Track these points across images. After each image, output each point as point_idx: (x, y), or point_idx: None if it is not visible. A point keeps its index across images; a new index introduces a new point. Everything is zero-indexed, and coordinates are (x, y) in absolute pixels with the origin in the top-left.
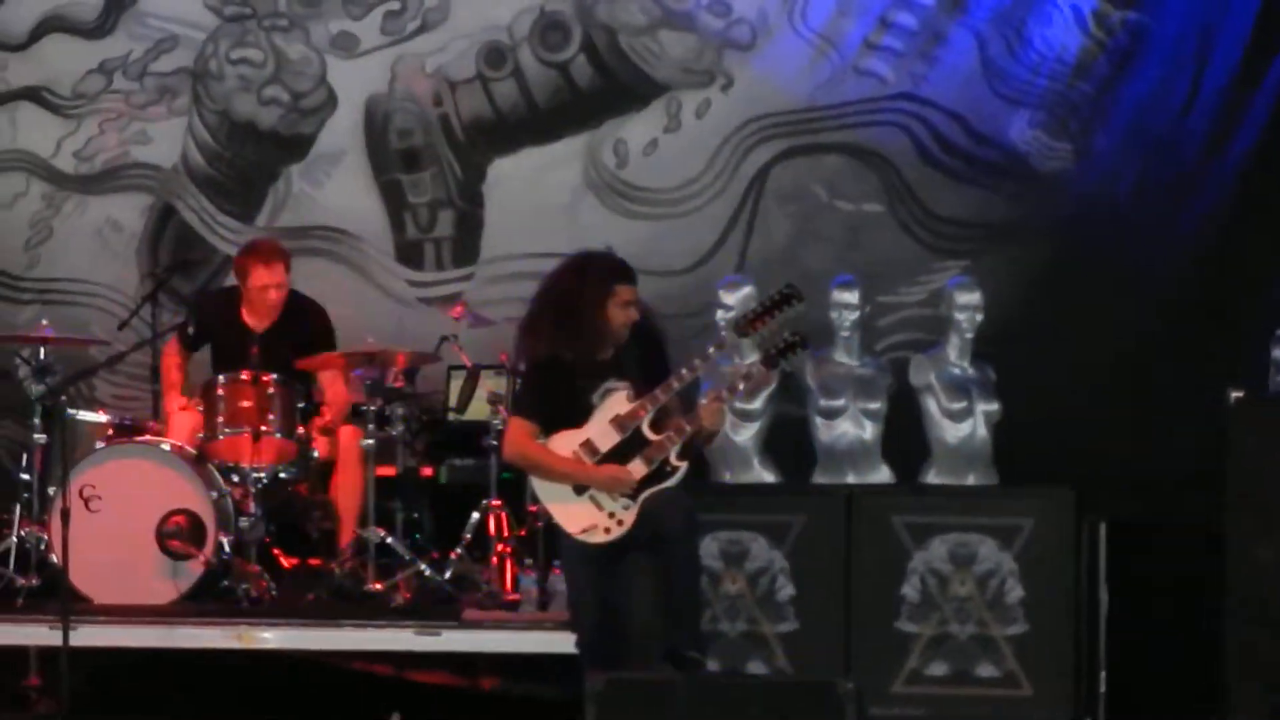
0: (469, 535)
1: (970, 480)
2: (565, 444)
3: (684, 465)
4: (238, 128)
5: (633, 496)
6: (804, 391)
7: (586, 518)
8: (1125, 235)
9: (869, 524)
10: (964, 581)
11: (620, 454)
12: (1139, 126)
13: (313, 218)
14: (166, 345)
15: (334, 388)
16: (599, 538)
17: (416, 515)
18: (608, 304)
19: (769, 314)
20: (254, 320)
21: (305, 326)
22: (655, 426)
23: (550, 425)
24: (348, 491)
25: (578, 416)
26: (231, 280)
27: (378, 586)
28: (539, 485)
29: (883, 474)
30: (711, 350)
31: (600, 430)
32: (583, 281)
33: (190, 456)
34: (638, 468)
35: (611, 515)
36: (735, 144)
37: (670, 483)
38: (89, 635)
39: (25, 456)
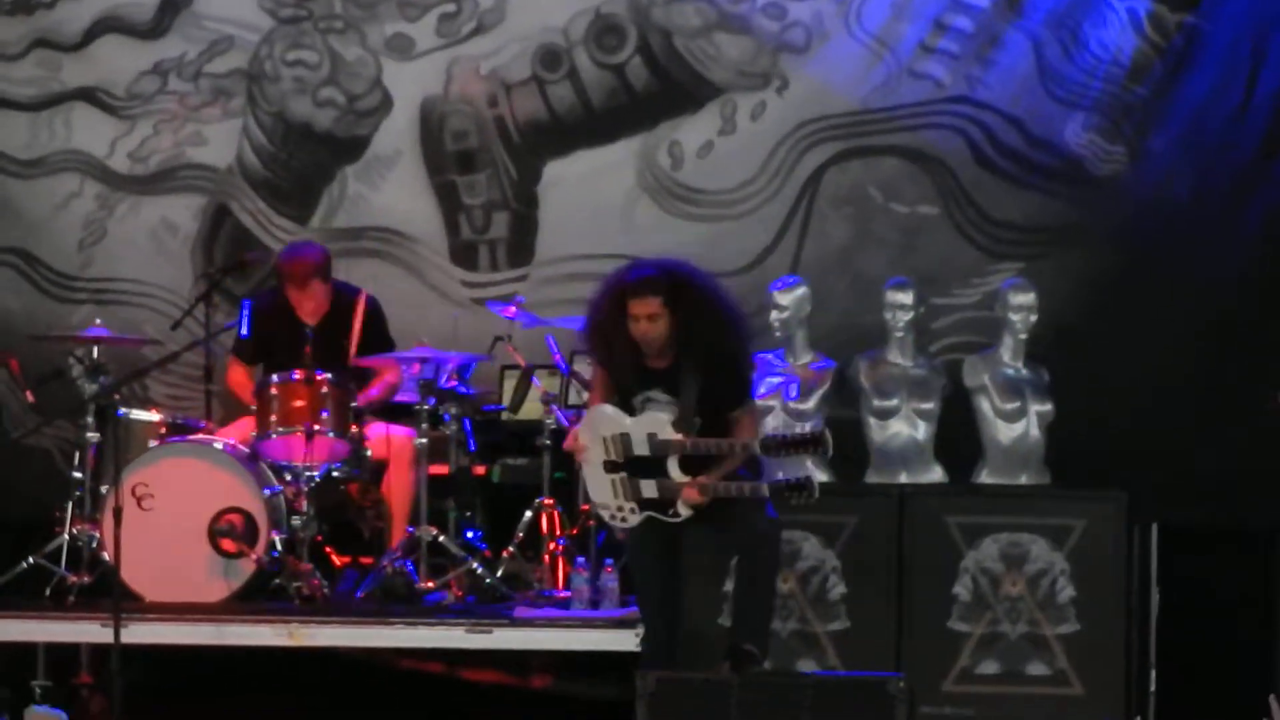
0: (521, 534)
1: (1023, 480)
2: (610, 421)
3: (687, 514)
4: (293, 129)
5: (640, 507)
6: (857, 392)
7: (604, 493)
8: (1181, 238)
9: (921, 523)
10: (1015, 581)
11: (644, 466)
12: (1195, 129)
13: (367, 219)
14: (229, 364)
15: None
16: (602, 514)
17: (469, 514)
18: (625, 323)
19: (797, 447)
20: (306, 311)
21: (355, 316)
22: (683, 465)
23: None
24: (399, 491)
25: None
26: None
27: (429, 585)
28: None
29: (935, 474)
30: (755, 446)
31: (638, 435)
32: (598, 305)
33: (243, 455)
34: (649, 488)
35: (620, 510)
36: (790, 146)
37: (669, 520)
38: (140, 633)
39: (78, 455)
